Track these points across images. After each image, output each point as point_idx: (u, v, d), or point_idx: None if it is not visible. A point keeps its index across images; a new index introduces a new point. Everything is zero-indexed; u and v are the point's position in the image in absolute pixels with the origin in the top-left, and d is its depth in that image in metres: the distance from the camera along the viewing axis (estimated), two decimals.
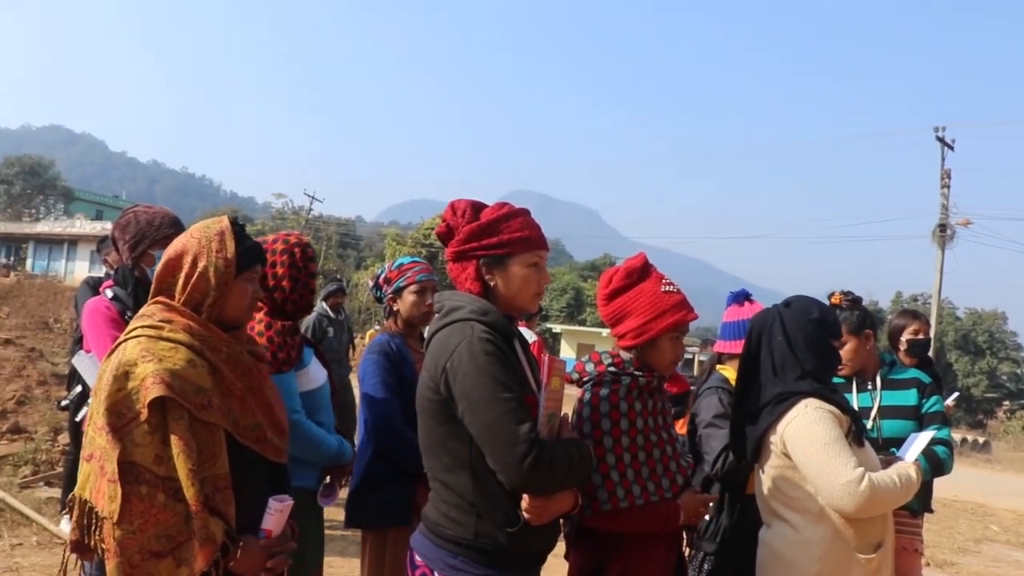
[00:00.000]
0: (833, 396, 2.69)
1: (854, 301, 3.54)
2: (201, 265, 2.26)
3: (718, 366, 3.50)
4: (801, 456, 2.59)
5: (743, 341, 2.99)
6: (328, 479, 3.23)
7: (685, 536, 2.95)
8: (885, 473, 2.60)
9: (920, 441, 2.91)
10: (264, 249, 2.44)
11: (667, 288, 2.66)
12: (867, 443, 2.76)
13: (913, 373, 3.71)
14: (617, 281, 2.72)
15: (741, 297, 3.52)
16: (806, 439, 2.58)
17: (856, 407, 3.54)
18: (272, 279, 2.99)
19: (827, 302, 3.45)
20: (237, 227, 2.35)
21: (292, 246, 3.05)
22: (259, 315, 3.02)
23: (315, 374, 3.19)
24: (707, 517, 3.20)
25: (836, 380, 3.55)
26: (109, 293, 3.22)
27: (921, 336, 4.43)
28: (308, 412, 3.08)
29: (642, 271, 2.71)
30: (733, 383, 3.22)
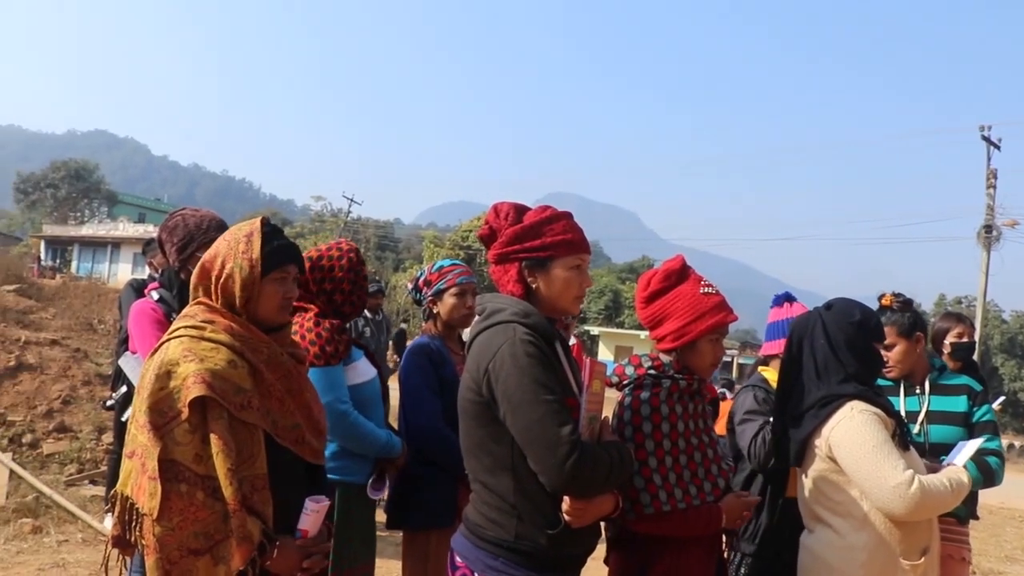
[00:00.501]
0: (878, 399, 2.66)
1: (905, 303, 3.47)
2: (228, 267, 2.28)
3: (761, 368, 3.48)
4: (849, 459, 2.56)
5: (783, 342, 2.99)
6: (378, 472, 3.28)
7: (724, 538, 2.92)
8: (935, 476, 2.55)
9: (968, 448, 2.85)
10: (299, 250, 2.44)
11: (706, 290, 2.63)
12: (912, 447, 2.71)
13: (964, 380, 3.62)
14: (655, 284, 2.69)
15: (783, 299, 3.51)
16: (853, 442, 2.55)
17: (903, 411, 3.48)
18: (330, 282, 3.17)
19: (876, 304, 3.41)
20: (268, 228, 2.35)
21: (347, 251, 3.23)
22: (308, 314, 3.12)
23: (364, 369, 3.28)
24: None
25: (884, 383, 3.49)
26: (155, 295, 3.27)
27: (965, 339, 4.34)
28: (357, 405, 3.15)
29: (680, 273, 2.68)
30: (772, 383, 3.20)
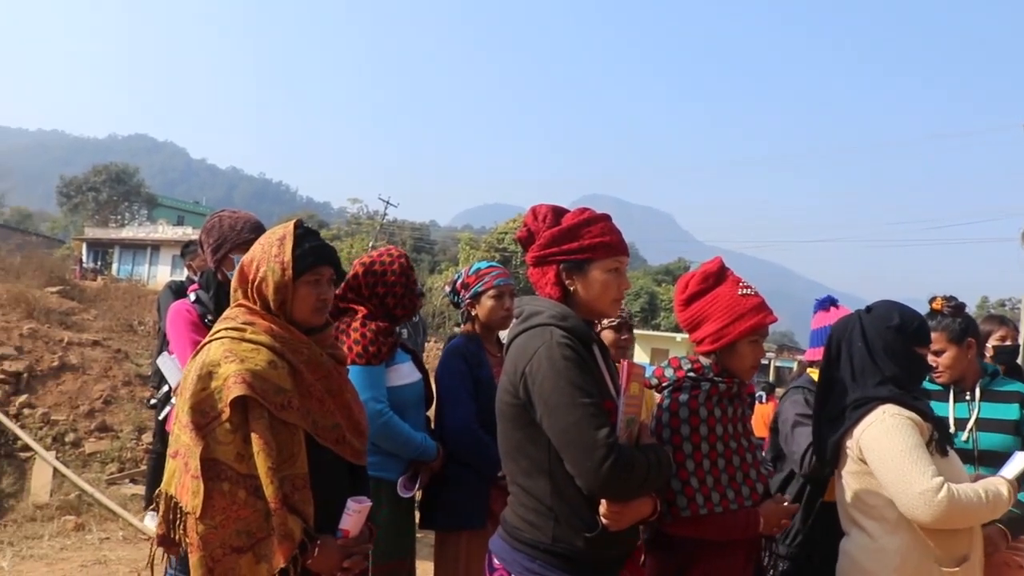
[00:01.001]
0: (914, 403, 2.61)
1: (956, 308, 3.38)
2: (262, 270, 2.30)
3: (809, 369, 3.42)
4: (877, 463, 2.53)
5: None
6: (412, 472, 3.30)
7: (764, 543, 2.88)
8: (970, 486, 2.49)
9: (1020, 459, 2.77)
10: (334, 251, 2.45)
11: (745, 291, 2.61)
12: (953, 453, 2.65)
13: (1018, 386, 3.52)
14: (694, 286, 2.68)
15: (827, 303, 3.44)
16: (882, 445, 2.51)
17: (952, 417, 3.40)
18: (383, 286, 3.27)
19: (926, 307, 3.34)
20: (300, 231, 2.37)
21: (397, 257, 3.35)
22: (357, 315, 3.22)
23: (406, 372, 3.34)
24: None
25: (933, 388, 3.42)
26: (192, 296, 3.30)
27: (1008, 342, 4.24)
28: (397, 407, 3.20)
29: (718, 275, 2.67)
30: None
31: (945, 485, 2.39)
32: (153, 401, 5.56)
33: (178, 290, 5.36)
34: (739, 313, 2.57)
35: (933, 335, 3.22)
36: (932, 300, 3.43)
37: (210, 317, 3.17)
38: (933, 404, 3.28)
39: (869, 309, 2.80)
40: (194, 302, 3.27)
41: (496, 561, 2.28)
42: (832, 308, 3.41)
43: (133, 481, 7.44)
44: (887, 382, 2.63)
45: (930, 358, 3.26)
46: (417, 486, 3.32)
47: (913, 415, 2.55)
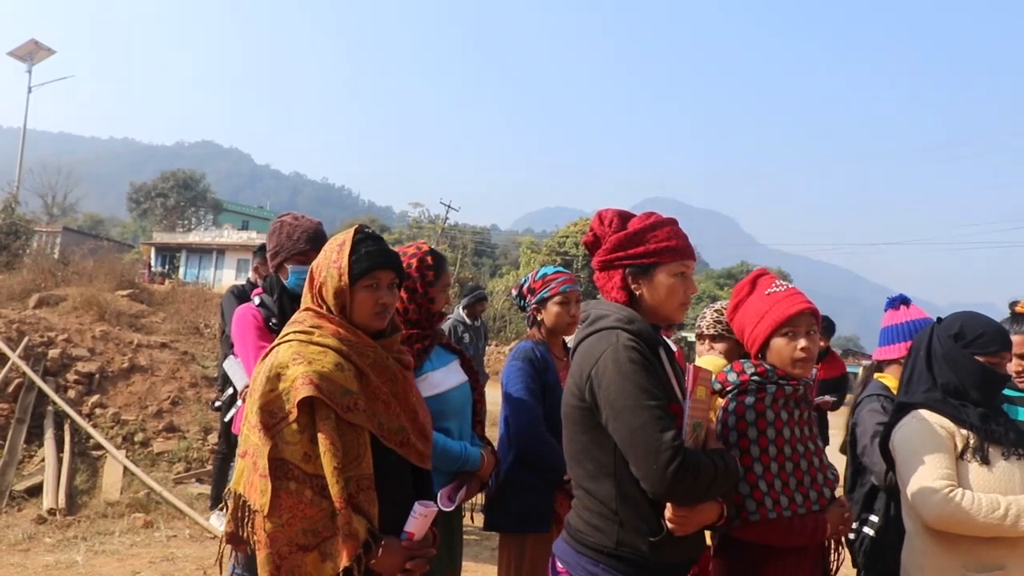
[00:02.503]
0: (953, 410, 2.58)
1: None
2: (322, 276, 2.35)
3: (877, 374, 3.35)
4: (896, 463, 2.63)
5: (900, 345, 3.07)
6: (456, 484, 3.08)
7: (840, 551, 2.82)
8: (993, 497, 2.43)
9: None
10: (396, 256, 2.42)
11: (772, 290, 2.61)
12: (1012, 465, 2.53)
13: None
14: (731, 300, 2.73)
15: (898, 302, 3.39)
16: (901, 447, 2.60)
17: None
18: None
19: (1009, 311, 3.27)
20: (359, 236, 2.38)
21: (409, 257, 3.08)
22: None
23: (438, 380, 3.09)
24: (872, 532, 3.14)
25: (1017, 394, 3.31)
26: (257, 300, 3.33)
27: None
28: (434, 417, 3.01)
29: (750, 285, 2.69)
30: (891, 390, 3.15)
31: (947, 488, 2.41)
32: (218, 403, 5.66)
33: (240, 294, 5.42)
34: (764, 312, 2.57)
35: (1017, 338, 3.15)
36: (1014, 304, 3.33)
37: (275, 321, 3.19)
38: (1020, 410, 3.19)
39: (940, 319, 2.80)
40: (259, 306, 3.30)
41: (560, 564, 2.28)
42: (902, 307, 3.35)
43: (199, 481, 7.59)
44: (936, 389, 2.65)
45: (1015, 363, 3.18)
46: (459, 496, 3.05)
47: (944, 420, 2.56)
